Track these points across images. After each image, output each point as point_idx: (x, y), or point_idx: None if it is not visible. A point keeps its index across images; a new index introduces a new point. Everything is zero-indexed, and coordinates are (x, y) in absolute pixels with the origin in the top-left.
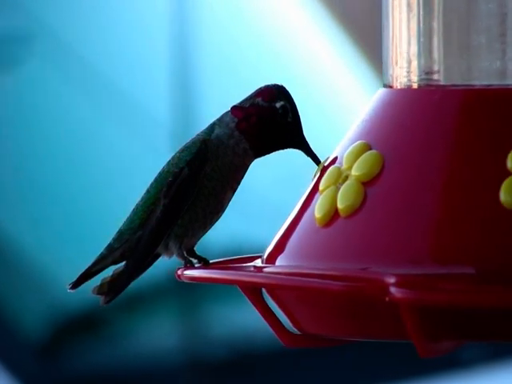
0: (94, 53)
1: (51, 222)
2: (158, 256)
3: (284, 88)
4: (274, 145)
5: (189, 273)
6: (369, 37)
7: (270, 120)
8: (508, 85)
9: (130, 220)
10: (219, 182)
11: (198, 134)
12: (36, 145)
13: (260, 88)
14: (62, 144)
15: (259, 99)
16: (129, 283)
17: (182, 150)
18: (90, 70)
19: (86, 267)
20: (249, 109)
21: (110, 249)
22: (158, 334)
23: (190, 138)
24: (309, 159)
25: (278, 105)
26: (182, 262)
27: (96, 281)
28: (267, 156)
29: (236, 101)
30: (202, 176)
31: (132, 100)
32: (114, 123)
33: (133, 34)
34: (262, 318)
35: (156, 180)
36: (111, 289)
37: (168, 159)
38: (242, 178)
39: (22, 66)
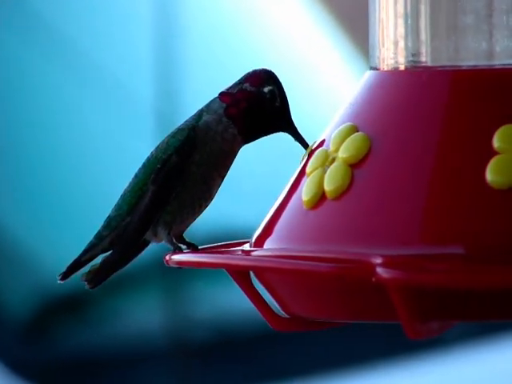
0: (78, 33)
1: (36, 202)
2: (146, 243)
3: (272, 72)
4: (263, 130)
5: (177, 257)
6: (356, 20)
7: (258, 105)
8: (495, 65)
9: (119, 206)
10: (208, 169)
11: (186, 121)
12: (18, 127)
13: (248, 73)
14: (45, 126)
15: (247, 84)
16: (116, 269)
17: (171, 136)
18: (72, 48)
19: (76, 257)
20: (237, 94)
21: (100, 237)
22: (143, 316)
23: (178, 125)
24: (297, 143)
25: (266, 89)
26: (171, 247)
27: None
28: (256, 140)
29: (220, 78)
30: (191, 163)
31: (116, 82)
32: (97, 105)
33: (116, 15)
34: (251, 303)
35: (144, 166)
36: (98, 274)
37: (156, 144)
38: (231, 164)
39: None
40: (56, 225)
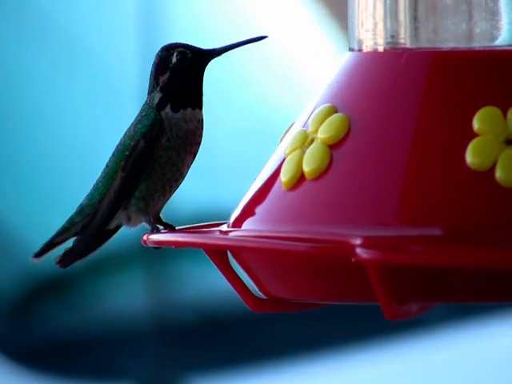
0: (66, 18)
1: (22, 185)
2: (117, 229)
3: (174, 42)
4: (194, 85)
5: (154, 237)
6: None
7: (176, 69)
8: (474, 47)
9: (91, 196)
10: (174, 151)
11: (146, 104)
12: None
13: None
14: (30, 109)
15: (156, 61)
16: (85, 253)
17: (138, 122)
18: (60, 33)
19: (49, 238)
20: (155, 73)
21: (72, 222)
22: (127, 298)
23: (139, 111)
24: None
25: (174, 54)
26: (150, 228)
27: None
28: (233, 118)
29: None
30: (159, 146)
31: (103, 67)
32: (83, 90)
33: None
34: (229, 283)
35: (114, 154)
36: (68, 256)
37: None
38: (201, 137)
39: None
40: (41, 207)
